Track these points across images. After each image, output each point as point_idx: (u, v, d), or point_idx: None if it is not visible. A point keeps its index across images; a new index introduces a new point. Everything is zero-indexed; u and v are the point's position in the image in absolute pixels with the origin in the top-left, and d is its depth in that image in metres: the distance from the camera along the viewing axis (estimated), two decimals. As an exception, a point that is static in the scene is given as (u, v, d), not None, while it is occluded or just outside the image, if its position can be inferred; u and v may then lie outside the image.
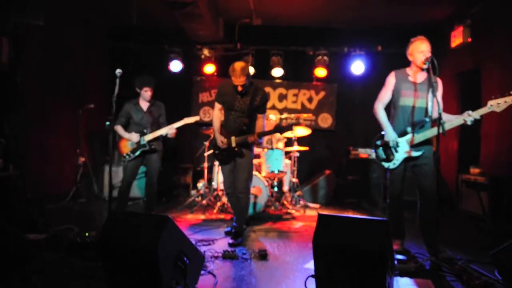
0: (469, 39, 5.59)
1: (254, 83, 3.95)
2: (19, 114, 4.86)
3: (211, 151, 5.86)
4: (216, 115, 4.09)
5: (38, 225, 3.99)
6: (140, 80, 4.50)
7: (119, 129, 4.57)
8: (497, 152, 5.38)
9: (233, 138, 3.93)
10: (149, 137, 4.49)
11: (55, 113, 5.92)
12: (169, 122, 4.62)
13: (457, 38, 5.78)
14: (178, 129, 4.60)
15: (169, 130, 4.51)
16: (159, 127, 4.58)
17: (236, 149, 3.94)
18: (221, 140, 3.97)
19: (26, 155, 5.16)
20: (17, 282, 2.71)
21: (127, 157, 4.47)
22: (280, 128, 3.94)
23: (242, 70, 3.65)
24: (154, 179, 4.58)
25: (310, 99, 7.58)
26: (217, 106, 4.07)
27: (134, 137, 4.44)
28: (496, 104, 3.11)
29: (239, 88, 3.77)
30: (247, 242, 3.98)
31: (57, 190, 5.86)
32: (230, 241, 3.84)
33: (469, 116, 3.19)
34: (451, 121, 3.31)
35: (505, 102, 3.08)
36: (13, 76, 4.72)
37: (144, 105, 4.60)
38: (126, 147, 4.53)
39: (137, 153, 4.46)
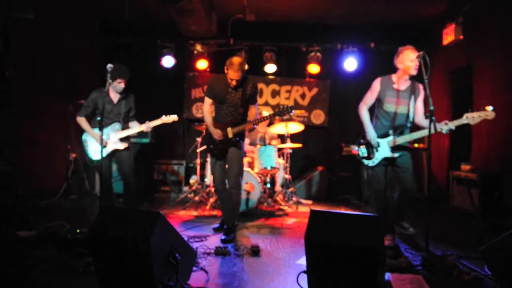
0: (461, 37, 5.63)
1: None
2: (9, 109, 4.79)
3: (204, 147, 5.86)
4: (207, 110, 4.08)
5: (29, 221, 3.95)
6: (116, 70, 4.04)
7: (83, 122, 4.19)
8: (488, 149, 5.43)
9: (229, 129, 3.95)
10: (122, 134, 4.19)
11: (46, 108, 5.85)
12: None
13: (449, 36, 5.80)
14: (171, 125, 4.53)
15: (146, 129, 4.25)
16: (127, 121, 4.33)
17: (232, 139, 3.95)
18: (217, 132, 3.96)
19: (17, 150, 5.10)
20: (10, 279, 2.68)
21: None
22: (279, 112, 3.94)
23: (240, 65, 3.74)
24: (129, 176, 4.26)
25: (303, 96, 7.58)
26: (208, 101, 4.06)
27: (103, 142, 3.98)
28: (471, 117, 3.32)
29: (234, 83, 3.82)
30: (239, 239, 3.98)
31: (48, 186, 5.81)
32: (223, 237, 3.84)
33: (446, 126, 3.36)
34: (423, 130, 3.51)
35: (479, 116, 3.31)
36: (2, 70, 4.65)
37: (114, 96, 4.24)
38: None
39: (109, 151, 4.15)
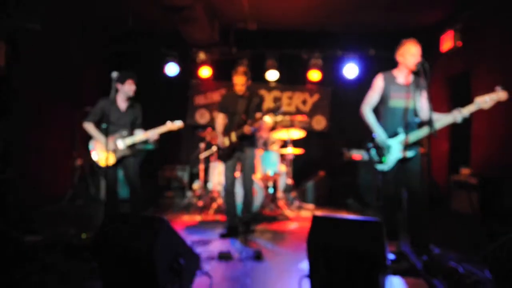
0: (459, 43, 5.66)
1: (250, 88, 4.44)
2: (16, 117, 4.87)
3: (207, 153, 5.95)
4: (219, 122, 4.50)
5: (35, 227, 4.01)
6: (123, 73, 4.03)
7: (91, 128, 4.17)
8: (487, 153, 5.46)
9: (232, 133, 4.32)
10: (128, 141, 4.16)
11: (52, 115, 5.92)
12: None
13: (447, 42, 5.83)
14: (175, 132, 4.58)
15: (153, 135, 4.20)
16: (134, 129, 4.31)
17: (236, 142, 4.30)
18: (221, 139, 4.39)
19: (23, 157, 5.16)
20: (16, 284, 2.73)
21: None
22: (271, 110, 4.33)
23: (245, 72, 4.30)
24: (136, 183, 4.25)
25: (304, 102, 7.65)
26: (220, 115, 4.52)
27: (110, 145, 3.96)
28: (483, 101, 3.19)
29: (239, 87, 4.28)
30: (242, 243, 4.03)
31: (54, 192, 5.86)
32: (251, 233, 4.40)
33: (459, 114, 3.26)
34: (441, 120, 3.35)
35: (491, 99, 3.18)
36: (10, 79, 4.74)
37: (122, 104, 4.22)
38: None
39: (116, 158, 4.13)
